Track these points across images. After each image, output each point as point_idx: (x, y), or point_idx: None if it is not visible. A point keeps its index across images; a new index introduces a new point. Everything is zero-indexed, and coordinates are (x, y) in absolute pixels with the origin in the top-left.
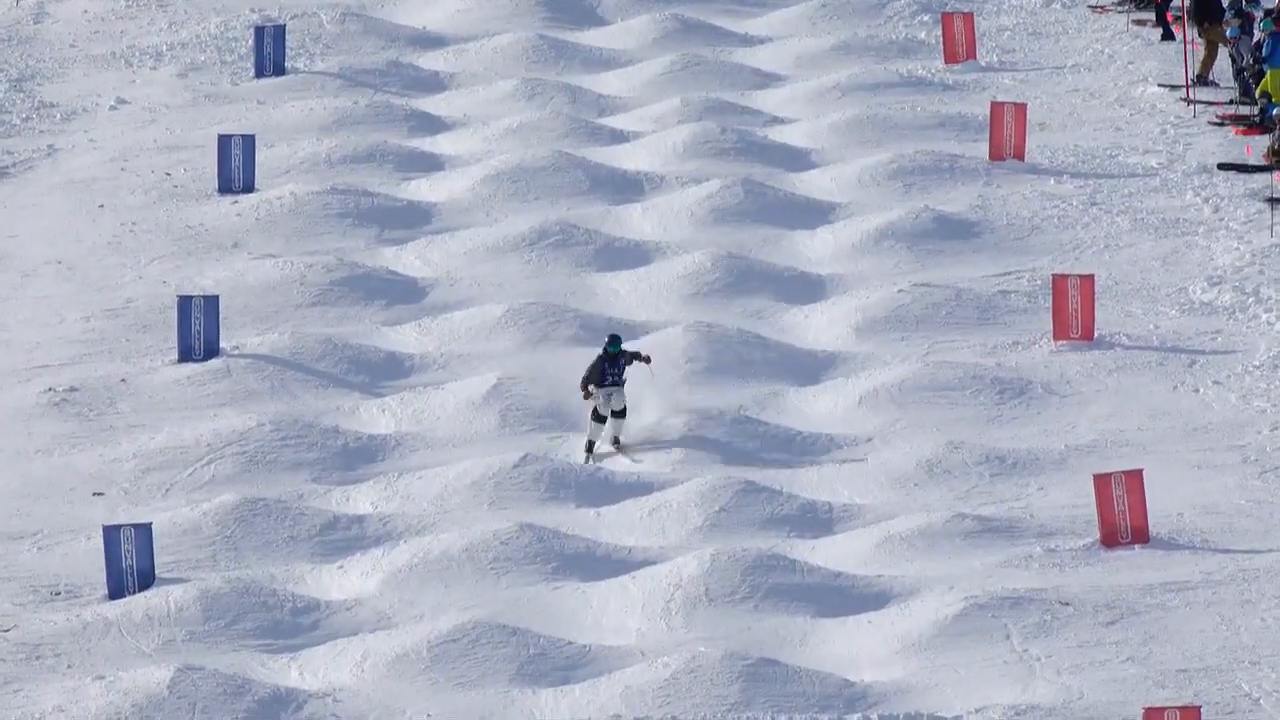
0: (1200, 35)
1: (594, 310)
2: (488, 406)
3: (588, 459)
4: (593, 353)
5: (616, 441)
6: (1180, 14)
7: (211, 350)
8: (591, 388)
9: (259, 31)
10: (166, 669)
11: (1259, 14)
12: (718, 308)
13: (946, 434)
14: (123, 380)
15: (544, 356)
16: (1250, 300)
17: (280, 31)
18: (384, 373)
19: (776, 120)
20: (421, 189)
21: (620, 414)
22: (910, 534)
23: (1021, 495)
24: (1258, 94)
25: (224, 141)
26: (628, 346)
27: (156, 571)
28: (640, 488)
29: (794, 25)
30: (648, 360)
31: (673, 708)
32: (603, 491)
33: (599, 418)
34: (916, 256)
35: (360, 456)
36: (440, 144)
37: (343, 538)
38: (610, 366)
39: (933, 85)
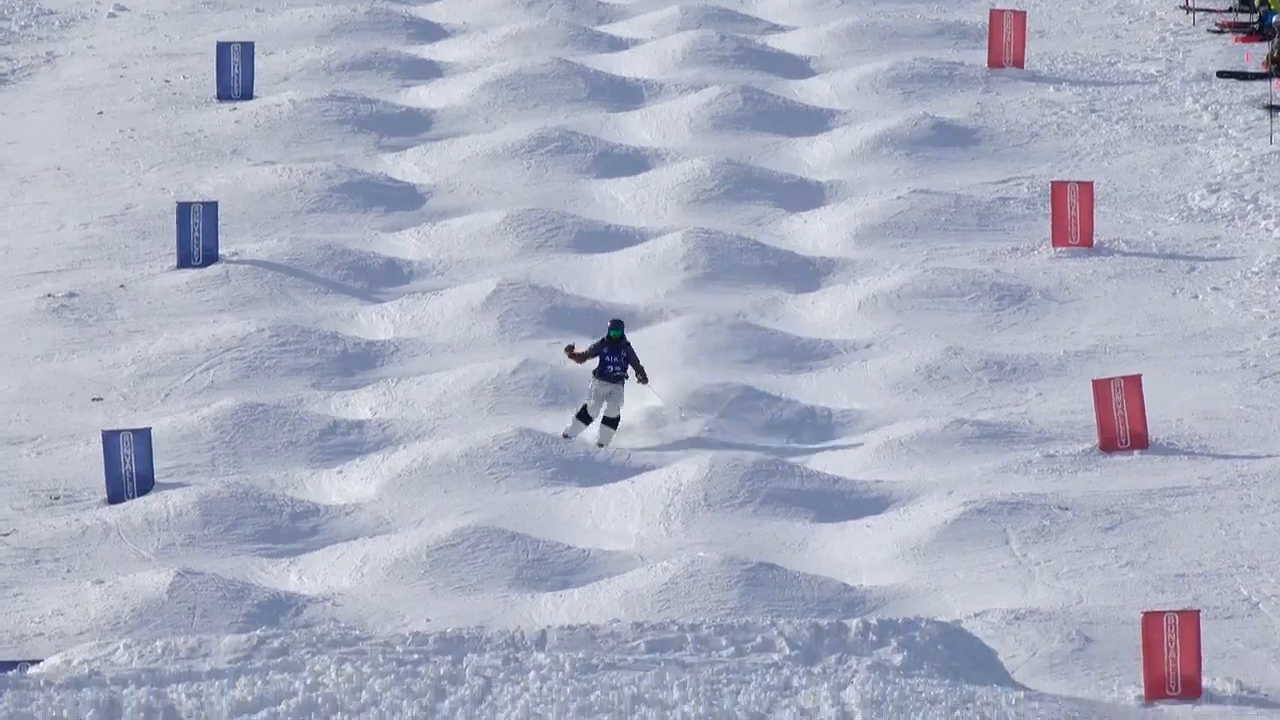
0: None
1: (593, 217)
2: (487, 312)
3: (566, 433)
4: (590, 260)
5: (600, 446)
6: None
7: (210, 256)
8: (590, 382)
9: None
10: (166, 573)
11: None
12: (717, 214)
13: (946, 340)
14: (122, 286)
15: (543, 263)
16: (1249, 207)
17: None
18: (383, 279)
19: (775, 28)
20: (420, 96)
21: (612, 422)
22: (909, 439)
23: (1021, 401)
24: (1257, 2)
25: (223, 49)
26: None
27: (155, 476)
28: (641, 393)
29: None
30: (644, 380)
31: (671, 612)
32: None
33: (585, 417)
34: (915, 163)
35: (359, 362)
36: (439, 51)
37: (342, 443)
38: (611, 354)
39: None
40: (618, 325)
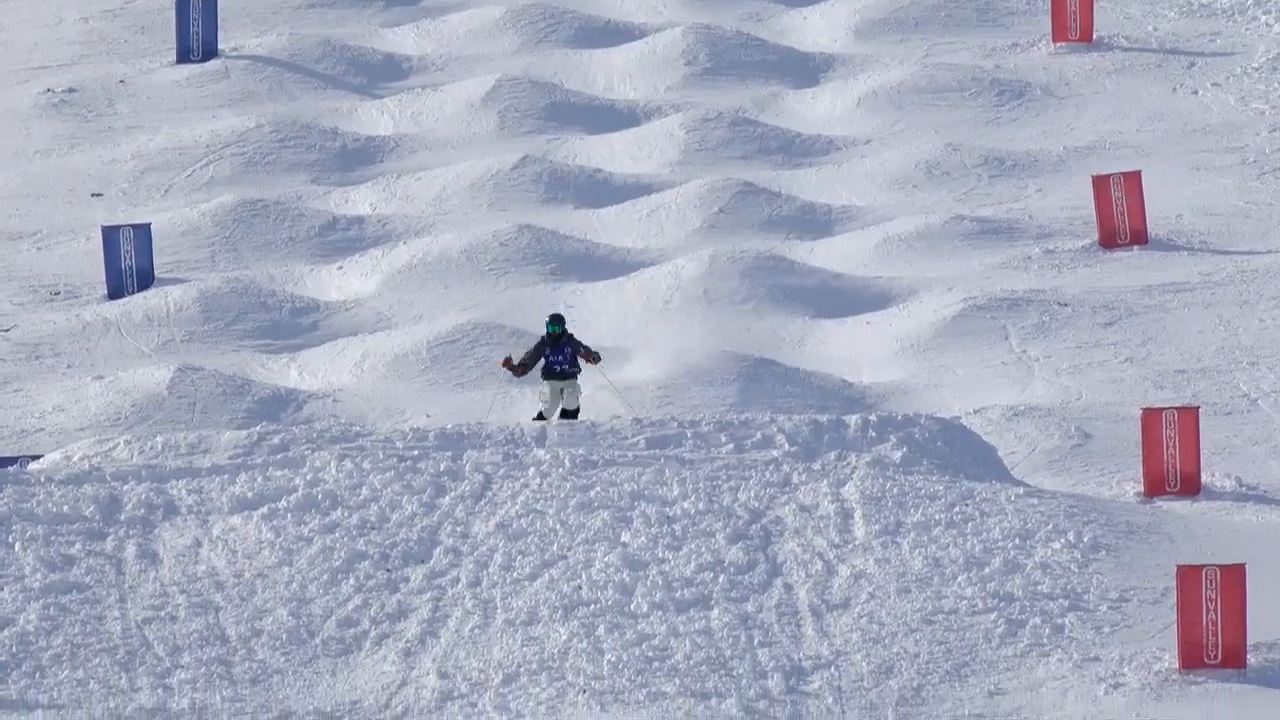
0: None
1: (593, 12)
2: (486, 108)
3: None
4: (590, 56)
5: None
6: None
7: (210, 51)
8: (523, 371)
9: None
10: (166, 369)
11: None
12: (716, 9)
13: (945, 136)
14: (121, 81)
15: (543, 58)
16: (1249, 2)
17: None
18: (382, 74)
19: None
20: None
21: (572, 414)
22: (909, 235)
23: (1020, 197)
24: None
25: None
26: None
27: (155, 272)
28: (639, 189)
29: None
30: (597, 360)
31: (671, 408)
32: (602, 193)
33: (541, 417)
34: None
35: (359, 158)
36: None
37: (342, 238)
38: (554, 353)
39: None
40: (557, 320)
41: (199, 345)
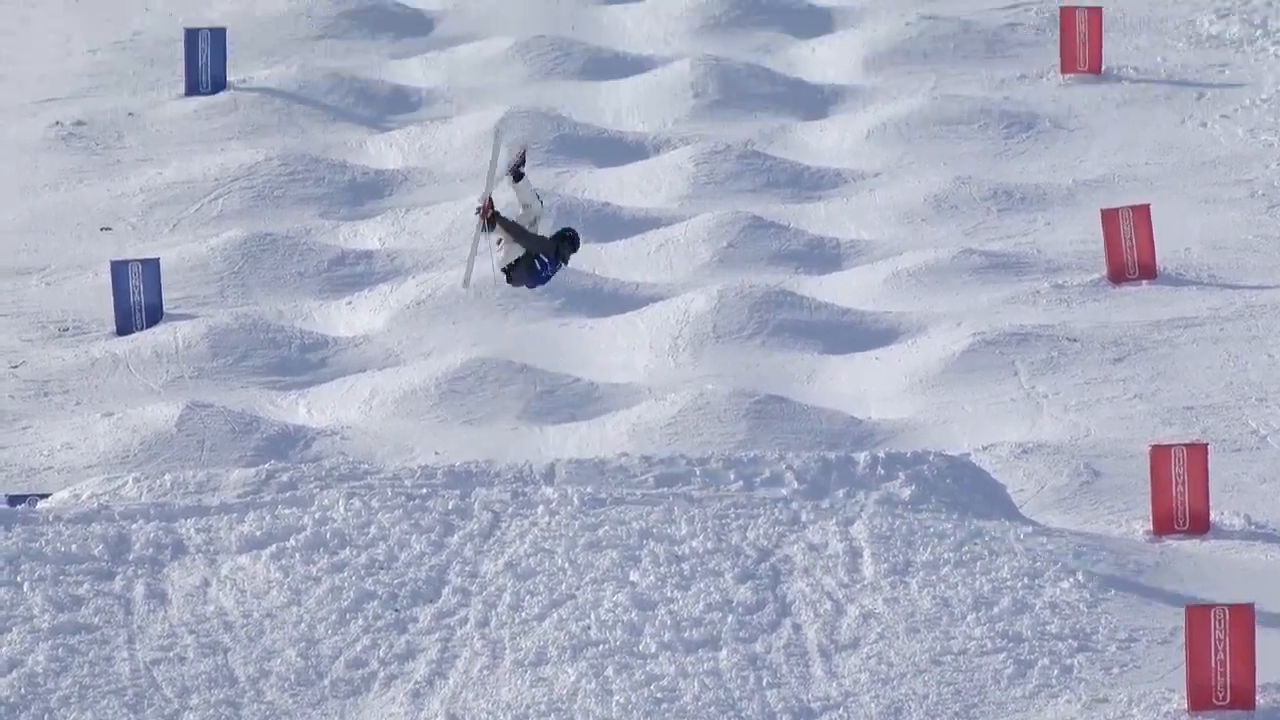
0: None
1: (601, 43)
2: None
3: None
4: (598, 87)
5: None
6: None
7: (219, 84)
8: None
9: None
10: (175, 406)
11: None
12: (725, 41)
13: (954, 168)
14: (130, 114)
15: (551, 90)
16: (1258, 33)
17: None
18: (391, 107)
19: None
20: None
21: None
22: (918, 270)
23: (1029, 230)
24: None
25: None
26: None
27: (164, 307)
28: (648, 223)
29: None
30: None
31: (680, 444)
32: (610, 226)
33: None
34: None
35: (368, 191)
36: None
37: (350, 274)
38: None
39: None
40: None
41: (208, 382)
